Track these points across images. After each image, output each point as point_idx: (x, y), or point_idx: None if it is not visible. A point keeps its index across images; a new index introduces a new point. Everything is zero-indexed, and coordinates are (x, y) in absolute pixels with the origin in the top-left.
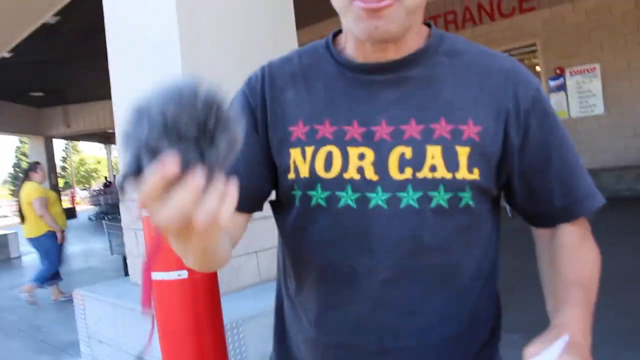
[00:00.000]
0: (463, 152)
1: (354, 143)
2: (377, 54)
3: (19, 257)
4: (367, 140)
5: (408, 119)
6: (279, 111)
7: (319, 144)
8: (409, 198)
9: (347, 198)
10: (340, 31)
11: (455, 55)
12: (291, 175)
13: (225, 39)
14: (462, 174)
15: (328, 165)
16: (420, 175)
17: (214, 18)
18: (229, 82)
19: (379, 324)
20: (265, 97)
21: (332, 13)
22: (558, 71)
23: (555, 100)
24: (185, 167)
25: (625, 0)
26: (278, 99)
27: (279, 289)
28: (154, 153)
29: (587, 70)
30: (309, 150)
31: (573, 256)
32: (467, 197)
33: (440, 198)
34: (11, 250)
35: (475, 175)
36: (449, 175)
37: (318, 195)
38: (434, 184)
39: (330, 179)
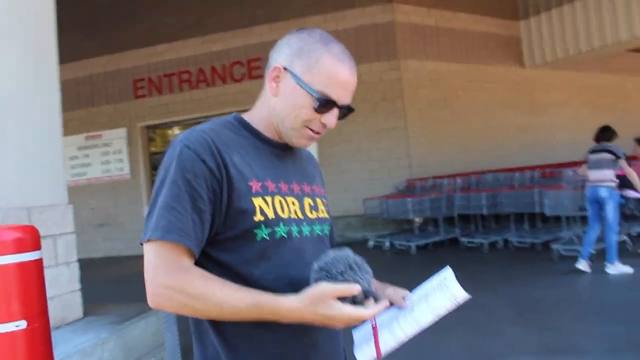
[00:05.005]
0: (323, 202)
1: (287, 194)
2: (282, 139)
3: None
4: (291, 193)
5: (302, 181)
6: (235, 170)
7: (272, 194)
8: (317, 229)
9: (295, 230)
10: (237, 115)
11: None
12: (258, 217)
13: None
14: (326, 215)
15: (282, 209)
16: (319, 215)
17: None
18: None
19: None
20: (224, 158)
21: (97, 53)
22: None
23: None
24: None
25: None
26: (230, 160)
27: (204, 340)
28: (350, 265)
29: None
30: (268, 199)
31: None
32: (327, 229)
33: (326, 229)
34: None
35: (327, 215)
36: (326, 216)
37: (281, 231)
38: (324, 221)
39: (285, 218)
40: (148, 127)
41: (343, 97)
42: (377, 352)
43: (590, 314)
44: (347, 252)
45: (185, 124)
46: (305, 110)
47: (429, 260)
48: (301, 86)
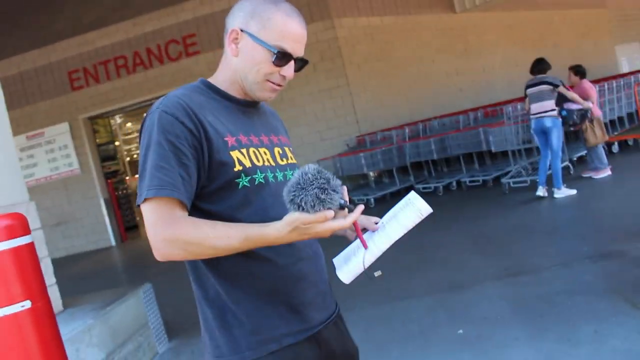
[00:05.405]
0: (290, 150)
1: (258, 146)
2: (247, 96)
3: None
4: (262, 144)
5: (269, 133)
6: (211, 129)
7: (246, 147)
8: (289, 174)
9: (270, 176)
10: (203, 79)
11: (264, 105)
12: (237, 168)
13: None
14: (294, 161)
15: (257, 158)
16: (289, 162)
17: None
18: None
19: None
20: (200, 119)
21: (24, 48)
22: None
23: None
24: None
25: None
26: (206, 120)
27: (204, 284)
28: (318, 197)
29: None
30: (244, 151)
31: None
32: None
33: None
34: None
35: (295, 161)
36: (294, 161)
37: (259, 177)
38: (293, 166)
39: (261, 166)
40: (90, 119)
41: (297, 49)
42: (363, 245)
43: (542, 235)
44: (311, 177)
45: (127, 111)
46: (265, 65)
47: (388, 210)
48: (258, 43)
